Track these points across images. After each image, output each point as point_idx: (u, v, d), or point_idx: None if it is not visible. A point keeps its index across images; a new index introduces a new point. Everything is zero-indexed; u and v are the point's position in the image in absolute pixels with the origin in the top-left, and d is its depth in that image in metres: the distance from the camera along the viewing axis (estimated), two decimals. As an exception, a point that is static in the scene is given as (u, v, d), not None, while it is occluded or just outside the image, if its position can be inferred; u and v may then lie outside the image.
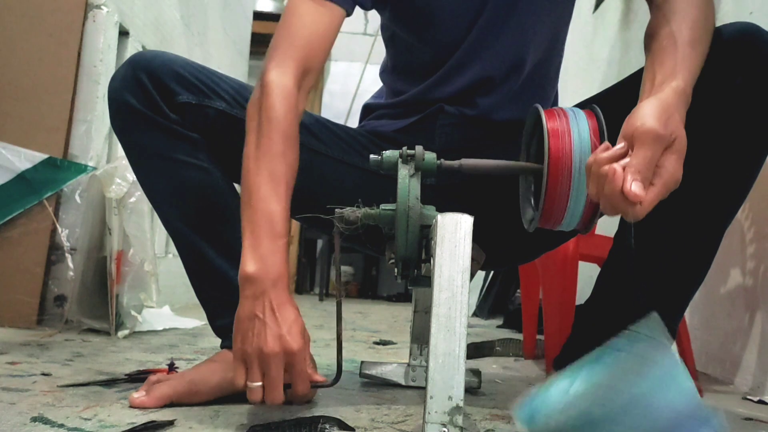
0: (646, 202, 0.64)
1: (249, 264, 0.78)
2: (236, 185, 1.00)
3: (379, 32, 1.10)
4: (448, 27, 1.00)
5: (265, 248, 0.78)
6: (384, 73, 1.12)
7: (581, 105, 0.95)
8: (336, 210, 0.82)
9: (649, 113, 0.68)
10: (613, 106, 0.85)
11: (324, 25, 0.90)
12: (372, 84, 4.76)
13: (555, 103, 1.11)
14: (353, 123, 1.17)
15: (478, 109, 1.02)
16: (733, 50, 0.78)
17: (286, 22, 0.90)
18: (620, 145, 0.68)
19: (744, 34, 0.79)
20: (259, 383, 0.76)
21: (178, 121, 0.94)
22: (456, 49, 1.00)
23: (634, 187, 0.64)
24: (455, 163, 0.81)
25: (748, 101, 0.78)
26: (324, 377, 0.83)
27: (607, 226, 1.05)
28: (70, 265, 1.71)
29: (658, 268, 0.83)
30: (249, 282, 0.78)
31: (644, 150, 0.66)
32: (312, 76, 0.90)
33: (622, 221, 0.90)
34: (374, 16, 4.85)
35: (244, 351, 0.76)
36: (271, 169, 0.81)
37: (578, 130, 0.74)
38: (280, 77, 0.85)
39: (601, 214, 0.76)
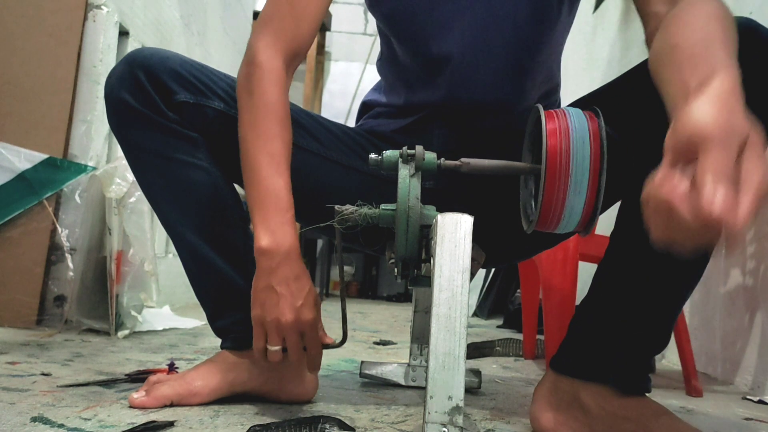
0: (743, 210, 0.48)
1: (262, 239, 0.83)
2: (236, 185, 1.00)
3: (377, 24, 1.09)
4: (427, 40, 0.99)
5: (274, 223, 0.84)
6: (380, 61, 1.12)
7: (581, 103, 0.95)
8: (336, 207, 0.83)
9: (702, 113, 0.53)
10: (612, 102, 0.85)
11: (314, 5, 0.92)
12: (372, 83, 4.75)
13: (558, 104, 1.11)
14: (353, 123, 1.17)
15: (475, 125, 1.02)
16: None
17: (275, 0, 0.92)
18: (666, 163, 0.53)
19: (742, 29, 0.78)
20: (279, 347, 0.84)
21: (176, 120, 0.93)
22: (441, 65, 0.99)
23: (719, 196, 0.47)
24: (455, 162, 0.81)
25: (748, 99, 0.77)
26: (332, 339, 0.89)
27: (607, 225, 1.05)
28: (70, 265, 1.71)
29: (654, 267, 0.83)
30: (263, 256, 0.83)
31: (714, 153, 0.50)
32: (300, 57, 0.93)
33: (619, 220, 0.89)
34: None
35: (264, 320, 0.84)
36: (270, 150, 0.85)
37: (577, 132, 0.74)
38: (271, 60, 0.88)
39: (601, 212, 0.76)
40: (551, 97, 1.08)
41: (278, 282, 0.82)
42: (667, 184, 0.51)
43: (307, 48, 0.94)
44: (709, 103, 0.54)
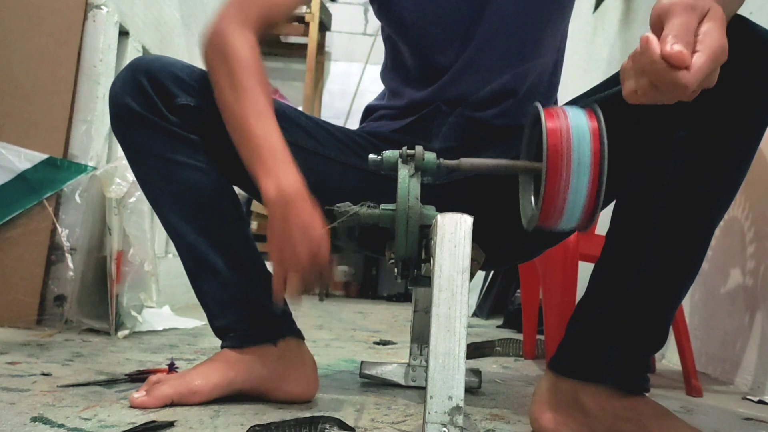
0: (695, 67, 0.59)
1: (269, 189, 0.83)
2: (235, 187, 1.01)
3: (380, 32, 1.11)
4: (437, 48, 1.02)
5: (276, 170, 0.83)
6: (383, 72, 1.13)
7: (581, 101, 0.95)
8: (335, 207, 0.84)
9: None
10: (611, 99, 0.85)
11: None
12: (372, 84, 4.75)
13: (555, 102, 1.11)
14: (353, 123, 1.18)
15: (476, 116, 1.03)
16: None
17: None
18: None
19: (734, 26, 0.78)
20: (300, 290, 0.84)
21: (177, 123, 0.94)
22: (447, 67, 1.02)
23: (676, 47, 0.59)
24: (454, 162, 0.81)
25: (739, 95, 0.77)
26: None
27: (607, 226, 1.05)
28: (70, 265, 1.71)
29: (650, 264, 0.83)
30: (274, 206, 0.83)
31: (676, 19, 0.61)
32: (270, 30, 0.95)
33: (614, 219, 0.89)
34: (374, 16, 4.82)
35: (283, 264, 0.83)
36: (256, 107, 0.86)
37: (578, 130, 0.74)
38: (242, 33, 0.90)
39: (601, 208, 0.76)
40: (550, 101, 1.08)
41: (294, 229, 0.82)
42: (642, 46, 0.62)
43: (280, 21, 0.96)
44: None
